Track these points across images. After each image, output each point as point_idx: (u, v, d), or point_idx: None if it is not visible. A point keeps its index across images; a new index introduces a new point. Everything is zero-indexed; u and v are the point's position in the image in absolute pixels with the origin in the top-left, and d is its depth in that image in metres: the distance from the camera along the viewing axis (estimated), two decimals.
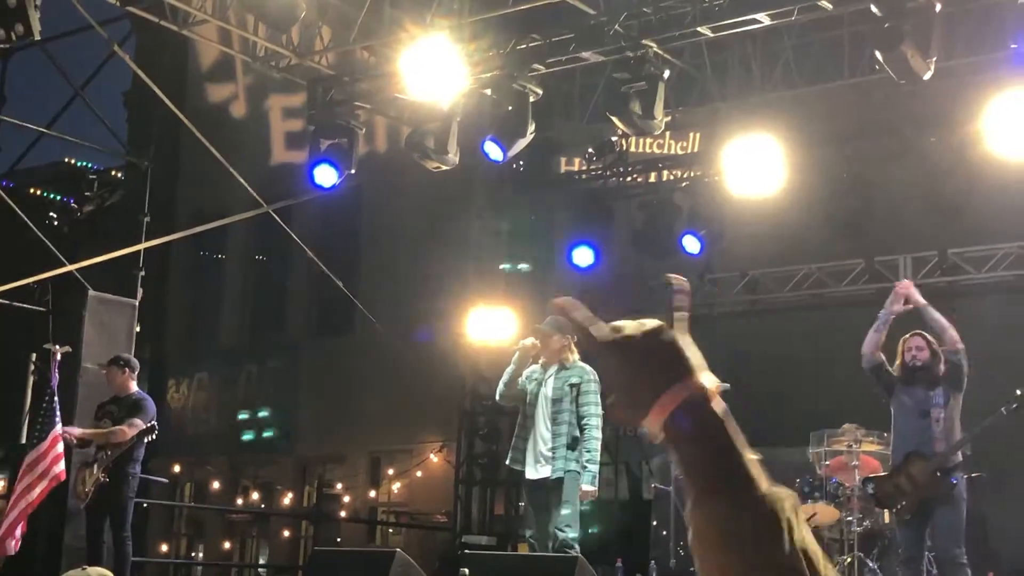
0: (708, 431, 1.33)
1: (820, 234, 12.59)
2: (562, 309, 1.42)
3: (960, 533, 7.69)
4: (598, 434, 8.29)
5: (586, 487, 8.18)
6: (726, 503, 1.28)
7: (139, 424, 9.38)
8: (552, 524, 8.30)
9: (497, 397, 8.77)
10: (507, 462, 8.71)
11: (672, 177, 13.81)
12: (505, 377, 8.57)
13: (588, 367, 8.44)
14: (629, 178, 14.15)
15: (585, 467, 8.18)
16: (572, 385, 8.32)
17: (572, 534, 8.18)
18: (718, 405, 1.35)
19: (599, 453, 8.31)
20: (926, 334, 7.96)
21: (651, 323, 1.39)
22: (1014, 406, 7.83)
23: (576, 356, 8.49)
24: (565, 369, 8.40)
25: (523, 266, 14.81)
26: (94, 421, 9.75)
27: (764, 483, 1.30)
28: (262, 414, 19.94)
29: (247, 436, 19.95)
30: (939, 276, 12.53)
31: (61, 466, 9.63)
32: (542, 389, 8.43)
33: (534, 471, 8.36)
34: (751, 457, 1.33)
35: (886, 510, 8.43)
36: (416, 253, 17.40)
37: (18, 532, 9.45)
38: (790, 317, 13.62)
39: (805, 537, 1.27)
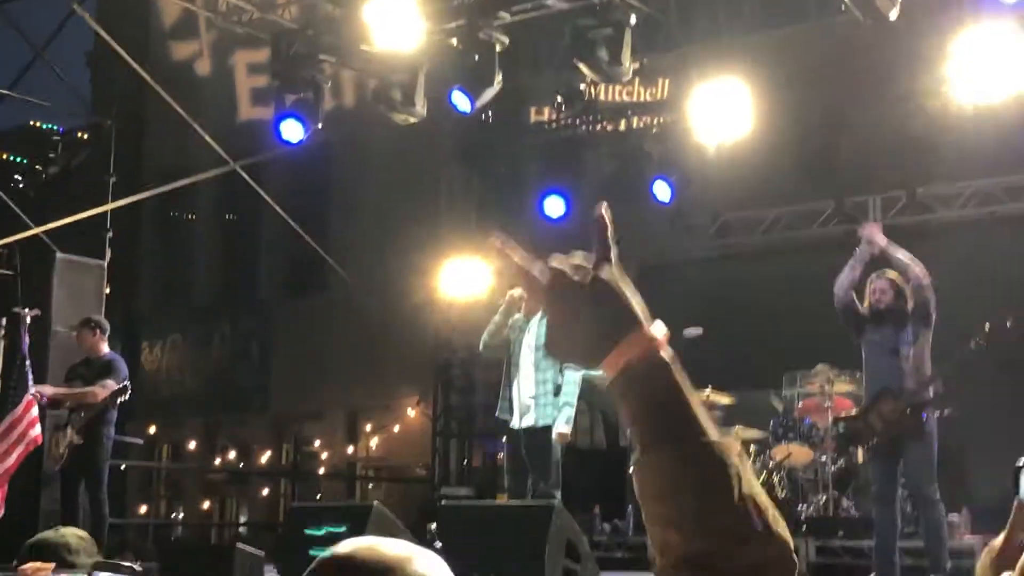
0: (658, 382, 1.31)
1: (790, 177, 12.61)
2: (499, 251, 1.39)
3: (932, 469, 7.73)
4: (577, 378, 8.31)
5: (560, 428, 8.22)
6: (673, 453, 1.26)
7: (111, 385, 9.33)
8: (532, 474, 8.34)
9: (481, 347, 8.77)
10: (496, 413, 8.73)
11: (642, 124, 13.76)
12: (491, 327, 8.58)
13: None
14: (599, 126, 14.09)
15: (560, 409, 8.22)
16: None
17: (553, 483, 8.23)
18: (666, 354, 1.32)
19: (576, 397, 8.33)
20: (891, 274, 7.94)
21: (587, 264, 1.36)
22: (983, 342, 7.86)
23: None
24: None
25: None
26: (65, 383, 9.69)
27: (712, 432, 1.28)
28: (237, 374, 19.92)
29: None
30: (909, 215, 12.56)
31: (37, 430, 9.59)
32: (525, 337, 8.44)
33: (518, 420, 8.39)
34: (699, 406, 1.29)
35: (859, 448, 8.48)
36: (387, 208, 17.33)
37: None
38: (762, 261, 13.64)
39: (753, 486, 1.25)
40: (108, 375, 9.42)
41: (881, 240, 8.03)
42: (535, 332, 8.41)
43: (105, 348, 9.76)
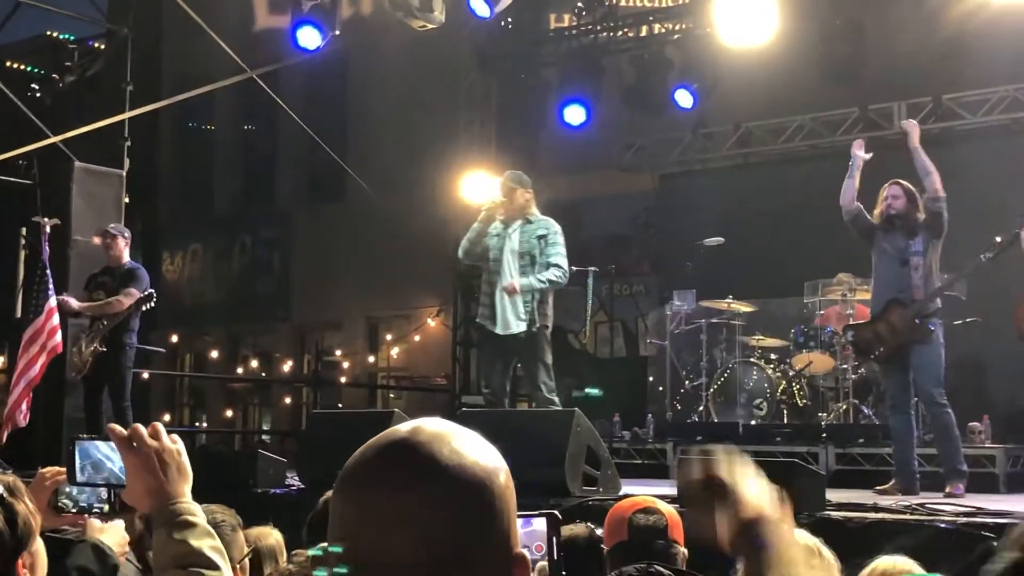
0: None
1: (813, 83, 12.44)
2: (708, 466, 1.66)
3: (938, 372, 7.80)
4: (559, 273, 8.27)
5: (516, 282, 8.20)
6: None
7: (135, 293, 9.32)
8: (531, 382, 8.36)
9: (460, 255, 8.70)
10: (476, 319, 8.73)
11: (663, 30, 13.57)
12: (471, 235, 8.50)
13: (552, 220, 8.45)
14: (620, 32, 13.90)
15: (535, 279, 8.21)
16: (540, 237, 8.30)
17: (550, 390, 8.27)
18: None
19: (551, 286, 8.28)
20: (904, 182, 7.96)
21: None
22: (991, 254, 7.86)
23: (536, 209, 8.48)
24: (529, 223, 8.37)
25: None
26: (86, 292, 9.70)
27: None
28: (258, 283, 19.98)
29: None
30: (934, 122, 12.37)
31: (58, 338, 9.68)
32: (507, 243, 8.37)
33: (502, 326, 8.33)
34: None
35: (868, 356, 8.52)
36: (405, 116, 17.21)
37: (24, 405, 9.55)
38: (784, 169, 13.53)
39: None
40: (131, 283, 9.41)
41: (915, 141, 7.98)
42: (516, 238, 8.35)
43: (127, 256, 9.76)
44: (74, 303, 9.52)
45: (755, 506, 1.51)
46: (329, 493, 3.95)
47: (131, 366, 9.65)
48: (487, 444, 1.37)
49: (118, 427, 2.12)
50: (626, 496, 4.46)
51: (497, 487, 1.33)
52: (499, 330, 8.35)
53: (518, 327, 8.26)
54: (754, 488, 1.52)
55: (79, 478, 2.37)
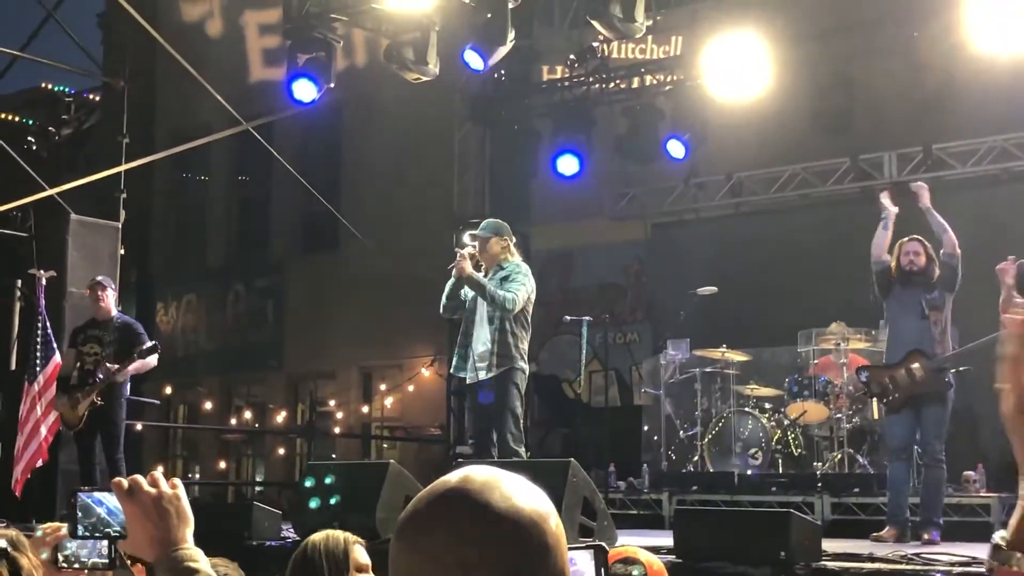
0: None
1: (804, 134, 12.55)
2: None
3: (943, 429, 7.97)
4: (510, 298, 8.04)
5: (467, 267, 8.05)
6: None
7: (156, 347, 9.30)
8: (494, 428, 8.24)
9: (440, 310, 8.67)
10: (451, 370, 8.67)
11: (655, 81, 13.68)
12: (447, 290, 8.46)
13: (523, 263, 8.38)
14: (611, 84, 14.01)
15: (492, 286, 8.05)
16: (502, 279, 8.19)
17: (516, 440, 8.12)
18: None
19: (499, 300, 8.04)
20: (922, 239, 8.11)
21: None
22: None
23: (515, 257, 8.44)
24: (501, 269, 8.30)
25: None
26: (74, 348, 9.57)
27: None
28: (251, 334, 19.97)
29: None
30: (924, 172, 12.48)
31: (53, 391, 9.71)
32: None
33: (473, 375, 8.27)
34: None
35: (875, 400, 8.59)
36: (399, 167, 17.30)
37: (39, 463, 9.60)
38: (776, 218, 13.62)
39: None
40: (136, 336, 9.40)
41: (927, 201, 8.16)
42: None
43: (115, 309, 9.73)
44: (116, 369, 9.22)
45: None
46: (307, 539, 3.93)
47: (124, 418, 9.63)
48: (535, 488, 1.42)
49: (120, 479, 2.14)
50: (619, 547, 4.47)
51: (550, 531, 1.38)
52: (468, 379, 8.34)
53: (484, 374, 8.21)
54: None
55: (80, 532, 2.38)
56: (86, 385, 9.33)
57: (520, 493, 1.38)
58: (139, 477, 2.12)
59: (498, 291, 8.10)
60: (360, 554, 3.75)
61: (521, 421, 8.30)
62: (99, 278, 9.81)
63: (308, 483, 7.47)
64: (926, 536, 7.65)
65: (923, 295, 8.02)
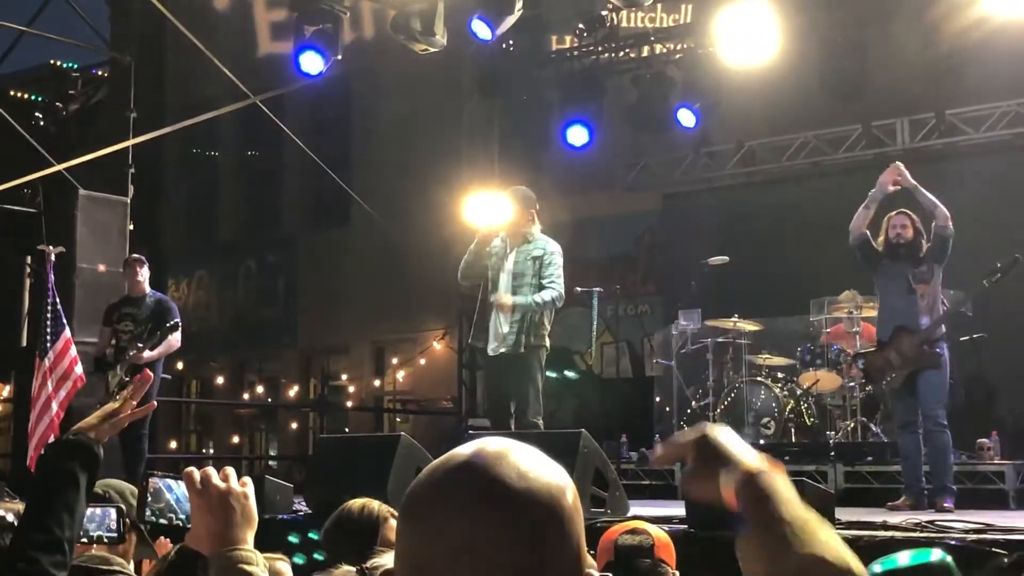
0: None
1: (816, 101, 12.43)
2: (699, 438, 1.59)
3: (943, 393, 7.99)
4: (554, 295, 8.09)
5: (510, 300, 8.04)
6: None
7: (178, 324, 9.37)
8: (514, 401, 8.23)
9: (459, 276, 8.61)
10: (469, 340, 8.63)
11: (665, 50, 13.57)
12: (468, 257, 8.38)
13: (551, 240, 8.33)
14: (621, 53, 13.90)
15: (529, 299, 8.03)
16: (535, 258, 8.17)
17: (535, 413, 8.12)
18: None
19: (545, 307, 8.08)
20: (910, 212, 8.07)
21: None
22: (995, 277, 7.96)
23: (538, 228, 8.38)
24: (527, 243, 8.23)
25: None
26: (110, 326, 9.59)
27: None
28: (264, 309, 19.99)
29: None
30: (936, 138, 12.40)
31: (79, 370, 9.70)
32: (505, 264, 8.29)
33: (494, 347, 8.23)
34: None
35: (879, 383, 8.57)
36: (408, 140, 17.24)
37: (51, 438, 9.59)
38: (788, 186, 13.53)
39: None
40: (167, 314, 9.46)
41: (910, 180, 8.08)
42: (513, 259, 8.25)
43: (148, 286, 9.74)
44: (146, 354, 9.18)
45: (749, 462, 1.53)
46: (344, 505, 3.92)
47: (155, 395, 9.59)
48: (551, 461, 1.34)
49: (192, 469, 2.12)
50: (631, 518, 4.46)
51: (566, 506, 1.31)
52: (491, 350, 8.29)
53: (508, 347, 8.20)
54: (743, 449, 1.56)
55: (147, 515, 2.37)
56: (119, 362, 9.35)
57: (534, 466, 1.31)
58: (211, 470, 2.10)
59: (545, 296, 8.06)
60: (391, 531, 3.71)
61: (540, 395, 8.28)
62: (133, 255, 9.84)
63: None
64: (941, 504, 7.63)
65: (910, 269, 7.99)
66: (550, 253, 8.20)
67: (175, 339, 9.41)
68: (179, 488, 2.34)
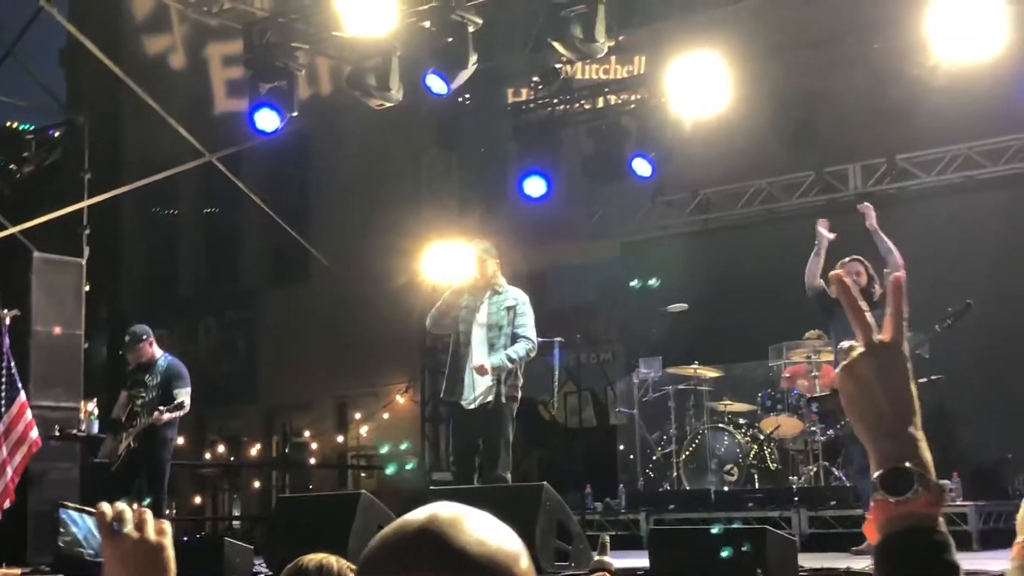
0: None
1: (769, 149, 12.57)
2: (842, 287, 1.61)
3: None
4: (529, 347, 8.25)
5: (487, 362, 8.13)
6: None
7: (189, 391, 9.70)
8: (483, 453, 8.27)
9: (429, 324, 8.69)
10: (442, 395, 8.68)
11: (619, 101, 13.69)
12: (441, 306, 8.46)
13: (519, 290, 8.44)
14: (576, 104, 14.02)
15: (506, 356, 8.14)
16: (508, 308, 8.28)
17: (505, 467, 8.21)
18: None
19: (520, 361, 8.24)
20: (863, 259, 8.21)
21: None
22: (947, 323, 8.08)
23: (503, 279, 8.47)
24: (498, 294, 8.35)
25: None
26: (126, 391, 9.90)
27: None
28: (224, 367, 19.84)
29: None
30: (888, 183, 12.56)
31: (35, 434, 9.61)
32: (476, 316, 8.35)
33: (469, 400, 8.28)
34: None
35: (835, 426, 8.65)
36: (367, 194, 17.24)
37: (7, 504, 9.47)
38: (744, 234, 13.64)
39: None
40: (175, 380, 9.72)
41: (873, 222, 8.23)
42: (484, 310, 8.33)
43: (158, 352, 9.95)
44: (165, 416, 9.48)
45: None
46: (300, 559, 3.89)
47: (168, 459, 9.77)
48: (505, 527, 1.34)
49: (104, 506, 1.94)
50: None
51: (521, 571, 1.31)
52: (466, 403, 8.30)
53: (485, 399, 8.20)
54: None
55: (60, 545, 2.30)
56: (130, 427, 9.60)
57: (489, 532, 1.31)
58: (127, 511, 1.92)
59: (520, 352, 8.20)
60: None
61: (511, 448, 8.34)
62: (130, 331, 10.09)
63: None
64: None
65: None
66: (522, 303, 8.36)
67: (187, 403, 9.68)
68: (87, 522, 2.23)
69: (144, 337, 9.97)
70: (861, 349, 1.56)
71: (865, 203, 8.65)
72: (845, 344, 1.62)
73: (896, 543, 1.49)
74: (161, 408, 9.43)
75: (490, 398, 8.19)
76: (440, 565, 1.27)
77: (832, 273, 1.54)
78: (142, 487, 9.51)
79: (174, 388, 9.63)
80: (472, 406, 8.29)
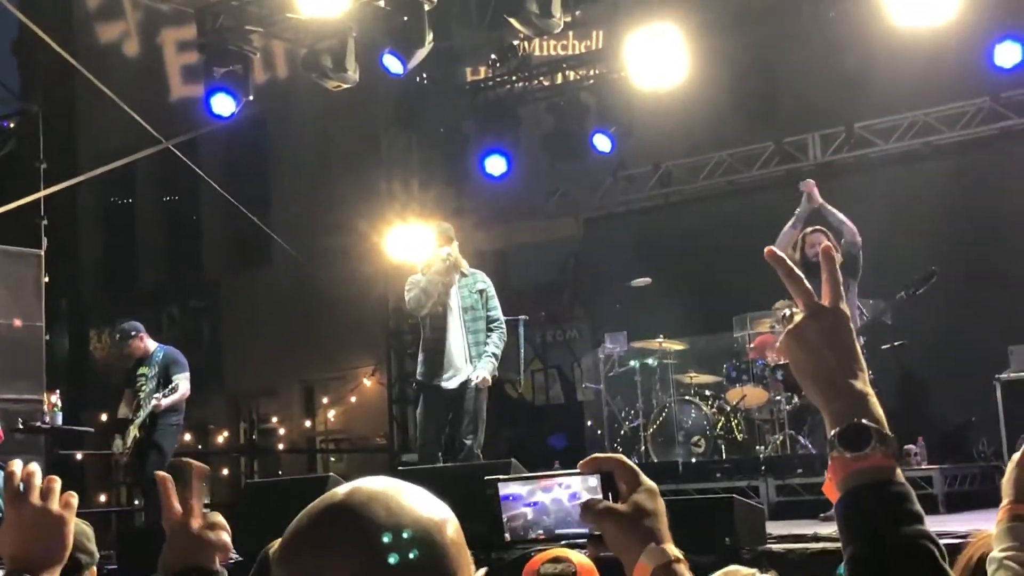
0: None
1: (729, 121, 12.57)
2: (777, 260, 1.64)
3: None
4: (503, 335, 8.69)
5: (485, 374, 8.47)
6: None
7: (187, 376, 9.94)
8: (461, 432, 8.44)
9: (413, 307, 8.76)
10: (418, 377, 8.78)
11: (578, 77, 13.67)
12: (427, 285, 8.57)
13: (482, 272, 8.70)
14: (535, 81, 13.98)
15: (490, 356, 8.48)
16: (480, 291, 8.53)
17: (478, 444, 8.49)
18: None
19: (500, 349, 8.65)
20: (824, 230, 8.31)
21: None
22: (912, 290, 8.18)
23: (465, 262, 8.77)
24: (465, 276, 8.57)
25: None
26: (129, 388, 10.09)
27: None
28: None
29: None
30: (847, 151, 12.59)
31: None
32: (451, 300, 8.51)
33: (450, 381, 8.48)
34: None
35: (797, 394, 8.77)
36: (327, 177, 17.16)
37: None
38: (705, 206, 13.64)
39: None
40: (178, 370, 9.94)
41: (818, 199, 8.35)
42: (457, 294, 8.51)
43: (152, 343, 10.19)
44: (164, 402, 9.71)
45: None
46: (270, 546, 3.88)
47: (172, 445, 10.00)
48: (431, 497, 1.32)
49: (17, 464, 1.87)
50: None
51: (443, 540, 1.27)
52: (452, 384, 8.38)
53: (461, 379, 8.50)
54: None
55: None
56: (133, 420, 9.87)
57: (411, 505, 1.28)
58: (37, 476, 1.87)
59: (499, 344, 8.65)
60: None
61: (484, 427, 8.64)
62: (120, 328, 10.39)
63: None
64: None
65: None
66: (489, 285, 8.73)
67: (184, 387, 9.88)
68: None
69: (134, 333, 10.17)
70: (803, 314, 1.60)
71: (807, 180, 8.72)
72: (786, 311, 1.64)
73: (857, 497, 1.50)
74: (158, 395, 9.62)
75: (471, 379, 8.45)
76: (349, 535, 1.25)
77: (766, 248, 1.58)
78: (151, 475, 9.50)
79: (172, 375, 9.82)
80: (452, 386, 8.48)
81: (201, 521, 1.92)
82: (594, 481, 1.67)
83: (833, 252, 1.57)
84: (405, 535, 1.25)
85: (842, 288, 1.57)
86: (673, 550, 1.62)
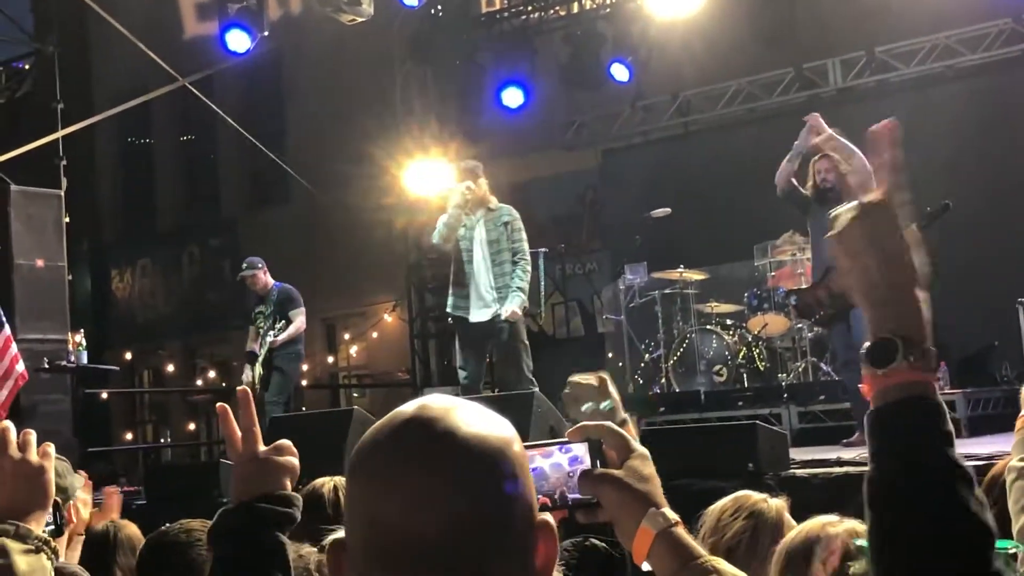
0: None
1: (747, 48, 12.46)
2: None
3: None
4: (527, 263, 8.64)
5: (514, 308, 8.43)
6: None
7: (302, 311, 10.41)
8: (514, 364, 8.50)
9: (436, 239, 8.78)
10: (448, 310, 8.82)
11: (594, 5, 13.54)
12: (449, 219, 8.62)
13: (510, 206, 8.79)
14: (550, 11, 13.85)
15: (516, 291, 8.44)
16: (505, 224, 8.52)
17: (530, 370, 8.54)
18: None
19: (526, 283, 8.61)
20: (833, 155, 8.15)
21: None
22: (924, 223, 8.08)
23: (493, 197, 8.74)
24: (491, 211, 8.57)
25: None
26: (252, 325, 10.57)
27: None
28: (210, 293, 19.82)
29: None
30: (868, 76, 12.46)
31: (21, 366, 9.57)
32: (476, 233, 8.52)
33: (478, 314, 8.51)
34: None
35: (811, 320, 8.76)
36: (343, 112, 17.08)
37: None
38: (725, 134, 13.55)
39: None
40: (293, 306, 10.40)
41: (826, 129, 8.17)
42: (483, 228, 8.52)
43: (271, 280, 10.57)
44: (280, 339, 10.26)
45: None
46: (313, 482, 3.92)
47: (297, 371, 10.72)
48: (495, 414, 1.35)
49: None
50: None
51: (514, 456, 1.31)
52: (481, 317, 8.49)
53: (493, 311, 8.52)
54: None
55: None
56: (257, 356, 10.40)
57: (480, 419, 1.31)
58: (13, 434, 1.96)
59: (525, 279, 8.58)
60: None
61: (530, 353, 8.69)
62: (245, 263, 10.73)
63: None
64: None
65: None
66: (516, 219, 8.66)
67: (300, 321, 10.37)
68: None
69: (260, 266, 10.60)
70: (850, 214, 1.51)
71: (812, 114, 8.52)
72: (832, 212, 1.52)
73: (887, 414, 1.48)
74: (272, 332, 10.19)
75: (499, 314, 8.49)
76: (432, 447, 1.27)
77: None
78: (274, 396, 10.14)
79: (288, 311, 10.32)
80: (483, 319, 8.53)
81: (265, 447, 1.95)
82: (582, 449, 1.68)
83: (892, 128, 1.47)
84: (485, 446, 1.28)
85: (899, 180, 1.48)
86: (672, 514, 1.63)
